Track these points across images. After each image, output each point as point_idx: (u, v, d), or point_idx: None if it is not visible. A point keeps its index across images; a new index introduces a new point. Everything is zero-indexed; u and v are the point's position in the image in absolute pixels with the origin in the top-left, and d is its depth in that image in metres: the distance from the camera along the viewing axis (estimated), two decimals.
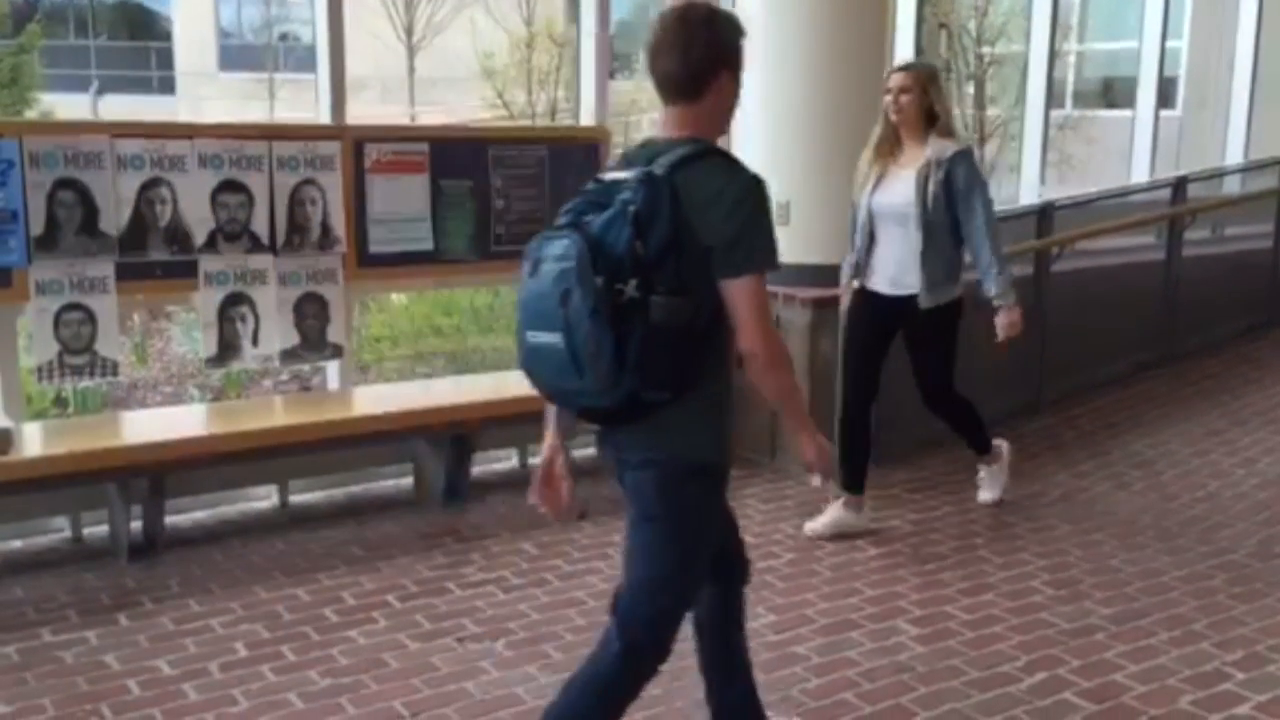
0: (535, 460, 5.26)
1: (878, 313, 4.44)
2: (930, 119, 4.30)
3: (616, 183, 2.39)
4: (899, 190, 4.31)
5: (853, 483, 4.51)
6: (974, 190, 4.28)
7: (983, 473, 4.86)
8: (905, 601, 3.93)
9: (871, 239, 4.41)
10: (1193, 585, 4.08)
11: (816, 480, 2.64)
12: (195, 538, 4.38)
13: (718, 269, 2.33)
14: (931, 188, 4.24)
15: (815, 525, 4.48)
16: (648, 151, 2.44)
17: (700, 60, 2.40)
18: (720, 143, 2.48)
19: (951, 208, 4.28)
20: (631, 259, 2.27)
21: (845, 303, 4.60)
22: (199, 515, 4.57)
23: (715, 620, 2.82)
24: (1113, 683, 3.39)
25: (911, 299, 4.32)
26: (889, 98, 4.32)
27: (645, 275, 2.28)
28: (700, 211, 2.31)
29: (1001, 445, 4.83)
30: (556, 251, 2.33)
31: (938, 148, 4.27)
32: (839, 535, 4.45)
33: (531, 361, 2.40)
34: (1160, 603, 3.94)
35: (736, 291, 2.34)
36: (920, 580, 4.11)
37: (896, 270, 4.35)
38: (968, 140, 4.54)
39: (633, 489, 2.50)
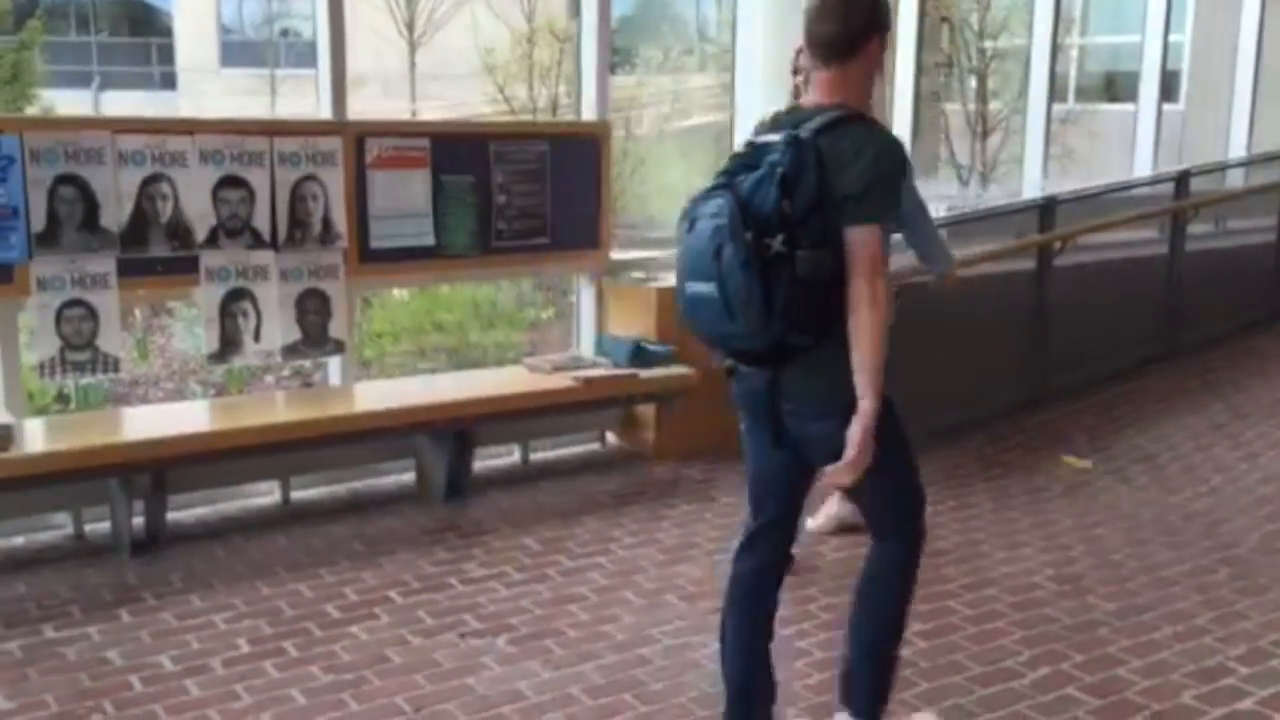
0: (536, 455, 5.30)
1: None
2: None
3: (766, 145, 2.62)
4: None
5: None
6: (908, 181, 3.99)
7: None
8: None
9: None
10: (1196, 579, 4.08)
11: (830, 469, 2.62)
12: (197, 534, 4.38)
13: (846, 217, 2.53)
14: None
15: (818, 521, 4.46)
16: (795, 117, 2.67)
17: (859, 25, 2.65)
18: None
19: None
20: (779, 217, 2.50)
21: None
22: (201, 511, 4.57)
23: (759, 577, 2.90)
24: (1115, 677, 3.39)
25: None
26: (799, 79, 3.90)
27: (791, 231, 2.50)
28: (841, 170, 2.53)
29: None
30: (711, 210, 2.58)
31: None
32: (842, 529, 4.43)
33: (690, 309, 2.66)
34: (1163, 597, 3.93)
35: (856, 237, 2.54)
36: (923, 575, 4.06)
37: None
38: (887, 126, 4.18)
39: (821, 437, 2.66)
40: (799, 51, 3.95)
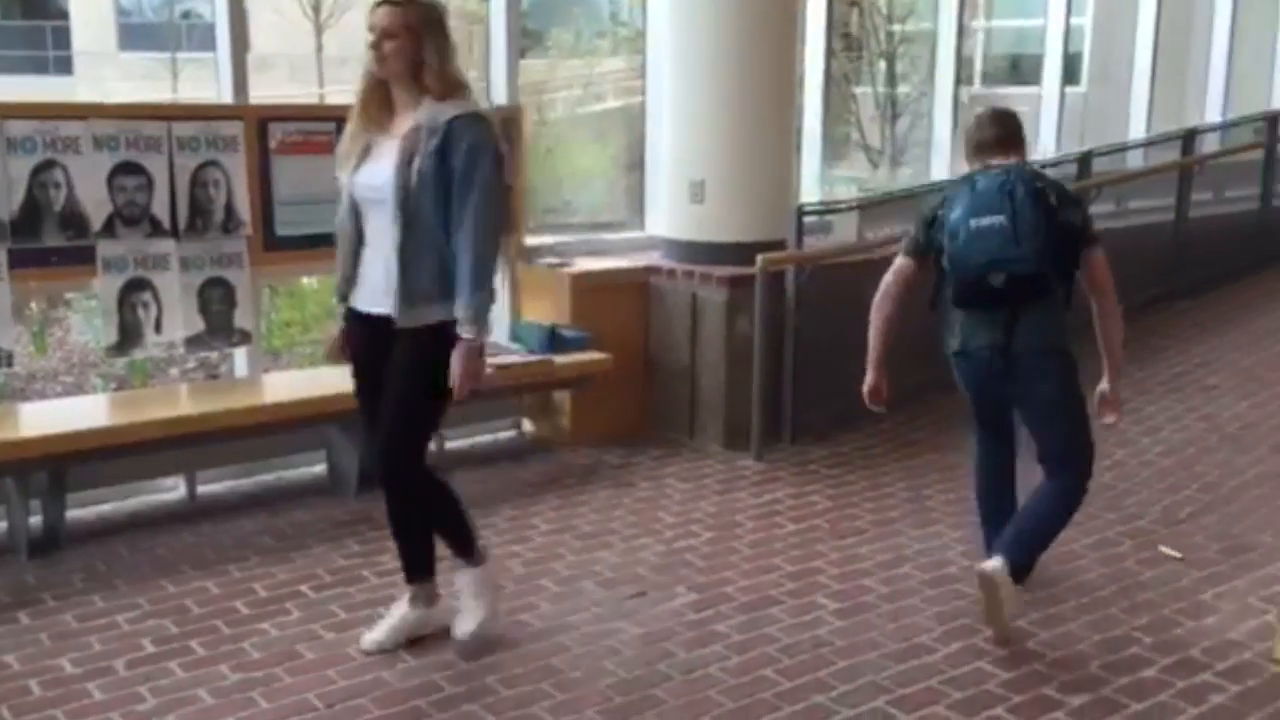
0: (452, 444, 5.23)
1: (373, 345, 3.25)
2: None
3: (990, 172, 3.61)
4: (383, 166, 3.17)
5: (414, 565, 3.46)
6: (476, 169, 3.11)
7: (461, 583, 3.46)
8: (824, 576, 3.96)
9: (360, 236, 3.28)
10: (1100, 553, 4.17)
11: (1109, 419, 3.77)
12: (99, 532, 4.25)
13: (1082, 244, 3.56)
14: (417, 162, 3.10)
15: (374, 636, 3.41)
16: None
17: (1017, 126, 3.80)
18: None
19: (449, 190, 3.13)
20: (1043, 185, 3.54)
21: (333, 333, 3.45)
22: (103, 509, 4.43)
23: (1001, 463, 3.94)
24: (1025, 650, 3.45)
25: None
26: (370, 40, 3.18)
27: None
28: (1057, 198, 3.54)
29: (488, 549, 3.58)
30: (996, 173, 3.53)
31: (433, 110, 3.13)
32: (407, 640, 3.42)
33: (972, 242, 3.44)
34: (1069, 570, 4.02)
35: (1094, 258, 3.58)
36: (839, 555, 4.15)
37: (385, 278, 3.19)
38: (482, 103, 3.39)
39: (1037, 370, 3.60)
40: (374, 6, 3.21)
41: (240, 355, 4.83)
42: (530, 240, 5.48)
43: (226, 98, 4.65)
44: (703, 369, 5.34)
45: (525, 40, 6.59)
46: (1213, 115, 9.62)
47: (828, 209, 5.87)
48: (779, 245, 5.24)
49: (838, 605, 3.73)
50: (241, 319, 4.58)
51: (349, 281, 3.32)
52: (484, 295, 3.18)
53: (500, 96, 5.39)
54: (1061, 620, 3.64)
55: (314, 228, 4.72)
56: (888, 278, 3.79)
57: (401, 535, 3.44)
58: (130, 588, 3.77)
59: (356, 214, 3.27)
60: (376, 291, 3.22)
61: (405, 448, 3.26)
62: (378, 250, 3.22)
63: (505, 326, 5.42)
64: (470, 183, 3.12)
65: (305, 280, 8.14)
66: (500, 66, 5.39)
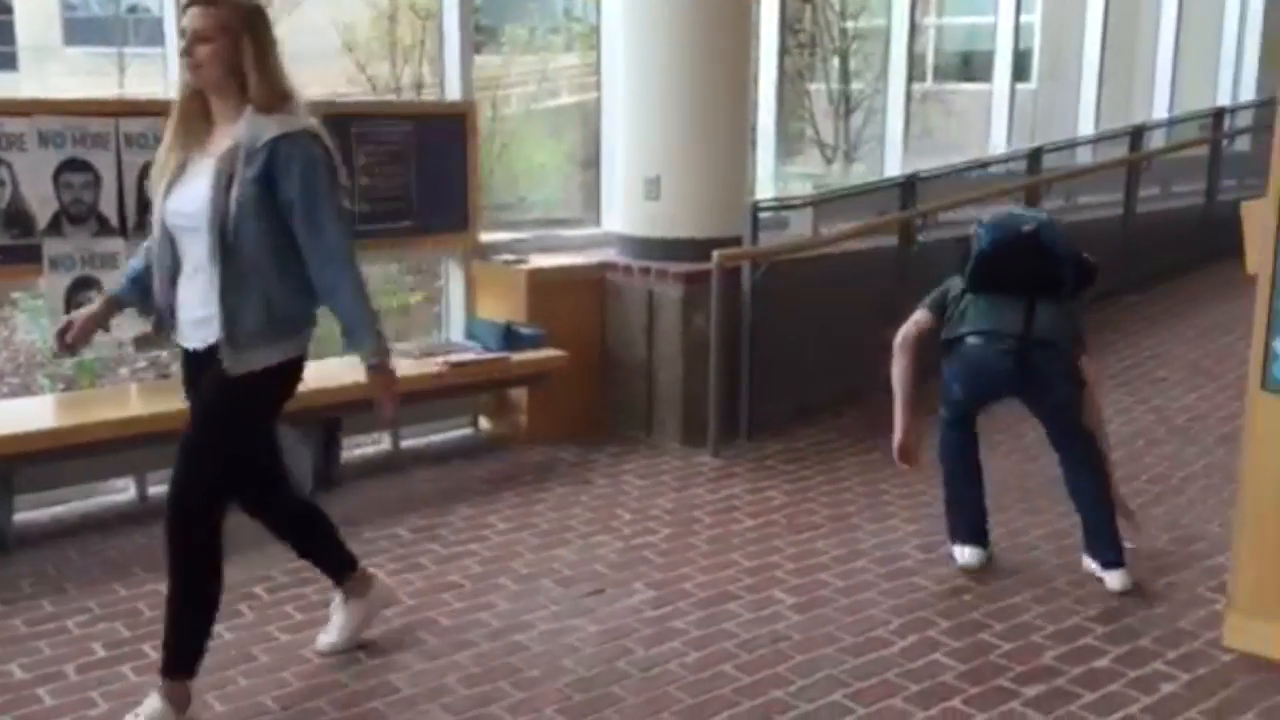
0: (408, 443, 5.20)
1: (202, 377, 2.97)
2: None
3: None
4: (196, 192, 2.83)
5: (333, 572, 3.45)
6: (316, 194, 2.84)
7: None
8: (781, 571, 3.98)
9: (177, 265, 2.93)
10: (1053, 544, 4.22)
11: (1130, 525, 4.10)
12: (48, 534, 4.18)
13: (1076, 343, 3.96)
14: (235, 191, 2.77)
15: (327, 638, 3.40)
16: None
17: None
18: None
19: (277, 220, 2.84)
20: None
21: (83, 314, 3.14)
22: (52, 511, 4.36)
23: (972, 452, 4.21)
24: (980, 641, 3.49)
25: (216, 351, 2.88)
26: (182, 45, 2.88)
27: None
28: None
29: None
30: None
31: (254, 128, 2.81)
32: (361, 637, 3.42)
33: (1015, 215, 4.06)
34: (1023, 562, 4.07)
35: (1087, 374, 3.95)
36: (795, 550, 4.17)
37: (203, 308, 2.88)
38: (309, 120, 2.91)
39: (1056, 368, 3.85)
40: (186, 4, 2.91)
41: None
42: (485, 237, 5.46)
43: (174, 94, 4.57)
44: (659, 365, 5.35)
45: (479, 36, 6.56)
46: (1160, 112, 9.76)
47: (783, 205, 5.90)
48: (734, 241, 5.25)
49: (795, 600, 3.75)
50: None
51: (166, 314, 3.00)
52: (379, 323, 2.99)
53: (454, 93, 5.36)
54: (1016, 612, 3.68)
55: None
56: (908, 328, 4.07)
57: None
58: (80, 591, 3.72)
59: (171, 241, 2.92)
60: (196, 324, 2.92)
61: (195, 488, 2.93)
62: (194, 282, 2.90)
63: (461, 324, 5.40)
64: (316, 212, 2.84)
65: None
66: (454, 62, 5.36)
